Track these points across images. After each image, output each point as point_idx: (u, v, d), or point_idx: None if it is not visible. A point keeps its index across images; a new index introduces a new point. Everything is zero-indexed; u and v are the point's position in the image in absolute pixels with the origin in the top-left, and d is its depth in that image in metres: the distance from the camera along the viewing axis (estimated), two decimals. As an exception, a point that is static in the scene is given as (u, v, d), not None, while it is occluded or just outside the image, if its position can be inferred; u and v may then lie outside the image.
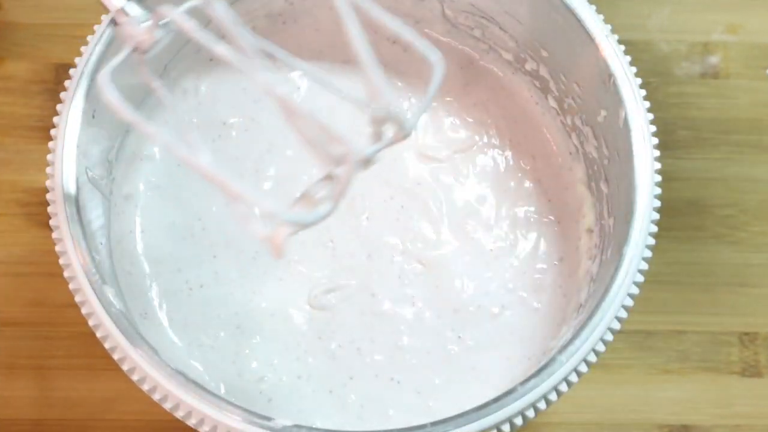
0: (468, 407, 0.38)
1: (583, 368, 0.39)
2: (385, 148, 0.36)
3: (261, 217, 0.34)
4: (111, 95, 0.34)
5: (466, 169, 0.50)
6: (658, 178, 0.42)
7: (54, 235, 0.41)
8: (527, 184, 0.50)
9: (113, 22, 0.37)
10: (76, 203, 0.41)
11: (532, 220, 0.49)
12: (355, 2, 0.35)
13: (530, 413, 0.38)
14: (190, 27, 0.34)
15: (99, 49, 0.43)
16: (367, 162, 0.36)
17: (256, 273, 0.47)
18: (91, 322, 0.39)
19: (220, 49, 0.33)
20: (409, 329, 0.46)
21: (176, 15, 0.34)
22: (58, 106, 0.43)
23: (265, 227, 0.34)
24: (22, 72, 0.56)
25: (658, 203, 0.42)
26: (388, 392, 0.45)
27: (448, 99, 0.51)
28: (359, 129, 0.37)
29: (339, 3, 0.34)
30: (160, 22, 0.36)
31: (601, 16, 0.45)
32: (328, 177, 0.37)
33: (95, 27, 0.44)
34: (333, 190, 0.35)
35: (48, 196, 0.41)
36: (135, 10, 0.37)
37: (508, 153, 0.50)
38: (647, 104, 0.44)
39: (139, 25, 0.36)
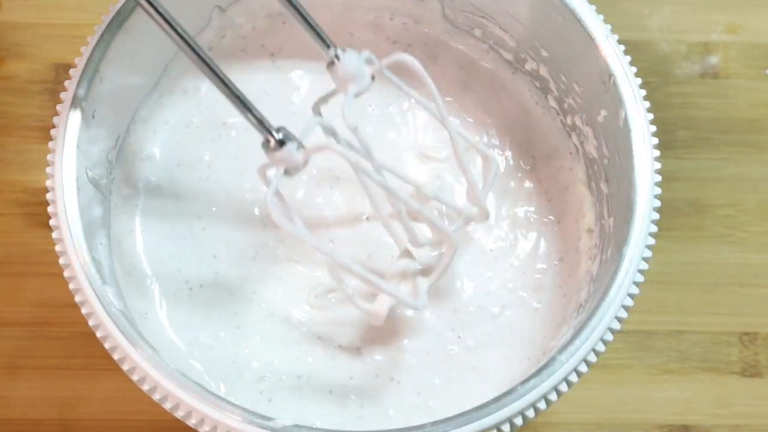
0: (468, 407, 0.38)
1: (583, 368, 0.39)
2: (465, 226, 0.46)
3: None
4: (282, 221, 0.39)
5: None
6: (658, 178, 0.42)
7: (54, 235, 0.41)
8: (527, 184, 0.50)
9: (267, 146, 0.39)
10: (76, 203, 0.41)
11: (532, 220, 0.49)
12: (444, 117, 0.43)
13: (530, 413, 0.38)
14: (355, 161, 0.40)
15: (99, 49, 0.43)
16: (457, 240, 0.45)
17: (256, 273, 0.47)
18: (91, 322, 0.39)
19: (364, 178, 0.41)
20: (408, 329, 0.46)
21: (339, 149, 0.40)
22: (58, 106, 0.43)
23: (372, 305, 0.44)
24: (22, 72, 0.56)
25: (658, 203, 0.42)
26: (388, 392, 0.45)
27: (448, 99, 0.51)
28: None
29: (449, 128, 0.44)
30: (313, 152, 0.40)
31: (601, 16, 0.45)
32: (406, 253, 0.45)
33: (95, 27, 0.44)
34: (441, 265, 0.45)
35: (48, 196, 0.41)
36: (286, 137, 0.39)
37: (508, 153, 0.50)
38: (647, 104, 0.44)
39: (296, 152, 0.39)
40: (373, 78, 0.41)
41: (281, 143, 0.39)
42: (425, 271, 0.45)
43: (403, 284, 0.45)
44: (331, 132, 0.44)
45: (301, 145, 0.40)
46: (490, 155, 0.45)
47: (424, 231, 0.47)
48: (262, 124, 0.40)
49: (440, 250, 0.46)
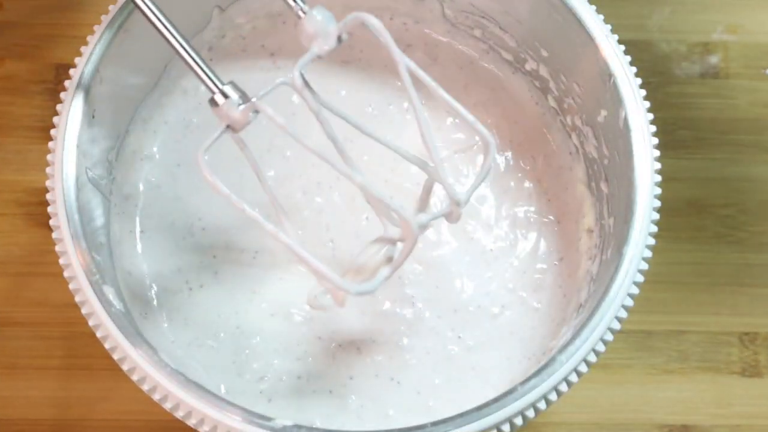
0: (468, 407, 0.38)
1: (583, 368, 0.39)
2: (437, 218, 0.42)
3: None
4: (211, 177, 0.39)
5: (466, 169, 0.50)
6: (658, 178, 0.42)
7: (54, 235, 0.41)
8: (527, 184, 0.50)
9: (213, 102, 0.40)
10: (76, 203, 0.41)
11: (532, 220, 0.49)
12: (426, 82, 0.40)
13: (530, 413, 0.38)
14: (282, 123, 0.39)
15: (99, 49, 0.43)
16: (423, 228, 0.41)
17: (256, 273, 0.47)
18: (91, 322, 0.39)
19: (309, 144, 0.39)
20: (409, 329, 0.46)
21: (271, 112, 0.39)
22: (58, 106, 0.43)
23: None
24: (22, 72, 0.56)
25: (658, 203, 0.42)
26: (388, 392, 0.45)
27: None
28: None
29: (411, 94, 0.39)
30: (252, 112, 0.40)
31: (601, 16, 0.45)
32: (379, 240, 0.43)
33: (95, 27, 0.44)
34: (396, 258, 0.41)
35: (48, 196, 0.41)
36: (232, 93, 0.40)
37: (508, 153, 0.50)
38: (647, 104, 0.44)
39: (236, 107, 0.39)
40: (340, 40, 0.40)
41: (225, 96, 0.39)
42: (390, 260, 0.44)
43: (363, 272, 0.44)
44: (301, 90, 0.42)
45: (246, 101, 0.39)
46: (487, 136, 0.40)
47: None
48: (207, 76, 0.40)
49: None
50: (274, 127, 0.49)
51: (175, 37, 0.41)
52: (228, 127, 0.40)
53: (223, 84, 0.40)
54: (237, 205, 0.39)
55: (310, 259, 0.38)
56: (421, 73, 0.39)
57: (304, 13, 0.40)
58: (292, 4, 0.41)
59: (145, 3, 0.41)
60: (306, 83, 0.41)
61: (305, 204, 0.48)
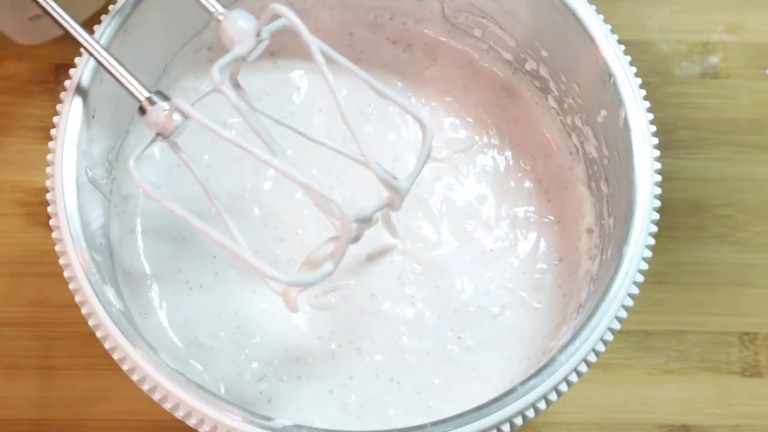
0: (468, 407, 0.38)
1: (583, 368, 0.39)
2: (379, 210, 0.40)
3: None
4: (140, 181, 0.39)
5: (466, 169, 0.50)
6: (658, 178, 0.42)
7: (54, 235, 0.41)
8: (527, 184, 0.50)
9: (141, 111, 0.40)
10: (76, 203, 0.41)
11: (532, 220, 0.49)
12: (349, 67, 0.39)
13: (530, 413, 0.38)
14: (198, 116, 0.38)
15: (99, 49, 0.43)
16: (366, 220, 0.40)
17: (256, 273, 0.47)
18: (91, 322, 0.39)
19: (228, 134, 0.37)
20: (409, 329, 0.46)
21: (185, 107, 0.38)
22: (58, 106, 0.43)
23: (279, 286, 0.39)
24: (22, 72, 0.56)
25: (658, 203, 0.42)
26: (388, 392, 0.45)
27: (448, 99, 0.51)
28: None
29: (327, 77, 0.38)
30: (176, 112, 0.39)
31: (601, 16, 0.45)
32: (333, 238, 0.41)
33: (95, 27, 0.44)
34: (335, 249, 0.38)
35: (48, 196, 0.41)
36: (158, 100, 0.40)
37: (508, 153, 0.50)
38: (647, 104, 0.44)
39: (162, 112, 0.40)
40: (260, 38, 0.40)
41: (151, 102, 0.40)
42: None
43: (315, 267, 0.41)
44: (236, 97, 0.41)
45: (174, 109, 0.39)
46: (424, 121, 0.39)
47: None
48: (132, 84, 0.40)
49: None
50: (274, 127, 0.50)
51: (95, 47, 0.41)
52: (158, 134, 0.40)
53: (149, 92, 0.40)
54: (167, 207, 0.39)
55: (240, 252, 0.37)
56: (336, 55, 0.39)
57: (223, 16, 0.40)
58: (211, 8, 0.41)
59: (56, 11, 0.41)
60: (237, 84, 0.41)
61: (305, 203, 0.48)
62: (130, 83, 0.40)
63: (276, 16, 0.38)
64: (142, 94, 0.40)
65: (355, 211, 0.39)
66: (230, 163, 0.49)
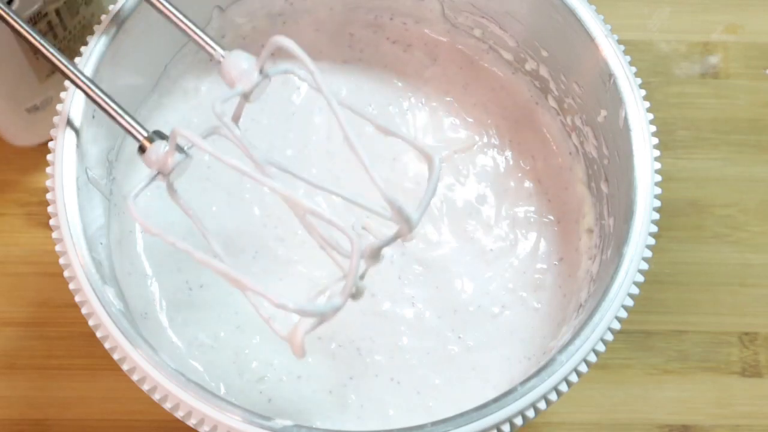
0: (468, 407, 0.38)
1: (583, 368, 0.39)
2: (390, 243, 0.38)
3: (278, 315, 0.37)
4: (139, 219, 0.38)
5: (466, 169, 0.50)
6: (658, 178, 0.42)
7: (54, 235, 0.41)
8: (527, 184, 0.50)
9: (141, 150, 0.40)
10: (76, 203, 0.41)
11: (532, 220, 0.49)
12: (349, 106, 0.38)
13: (530, 413, 0.38)
14: (201, 143, 0.37)
15: (99, 49, 0.43)
16: (375, 256, 0.39)
17: (256, 273, 0.47)
18: (91, 322, 0.39)
19: (233, 161, 0.37)
20: (409, 329, 0.46)
21: (186, 132, 0.37)
22: (58, 106, 0.43)
23: (285, 329, 0.37)
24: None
25: (658, 203, 0.42)
26: (388, 392, 0.45)
27: (448, 99, 0.51)
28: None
29: (335, 109, 0.37)
30: (177, 142, 0.39)
31: (601, 16, 0.45)
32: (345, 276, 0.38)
33: (95, 27, 0.44)
34: (345, 284, 0.36)
35: (48, 196, 0.41)
36: (157, 138, 0.40)
37: (508, 153, 0.50)
38: (647, 104, 0.44)
39: (162, 149, 0.39)
40: (263, 75, 0.40)
41: (150, 140, 0.39)
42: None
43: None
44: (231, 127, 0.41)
45: (176, 148, 0.39)
46: (431, 155, 0.38)
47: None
48: (130, 125, 0.40)
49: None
50: (274, 127, 0.50)
51: (97, 93, 0.41)
52: (159, 173, 0.39)
53: (147, 131, 0.40)
54: (167, 241, 0.38)
55: (244, 280, 0.36)
56: (332, 100, 0.38)
57: (223, 57, 0.40)
58: (212, 51, 0.41)
59: (64, 64, 0.41)
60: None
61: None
62: (129, 123, 0.40)
63: (279, 48, 0.38)
64: (140, 133, 0.40)
65: (363, 244, 0.38)
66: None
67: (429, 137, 0.50)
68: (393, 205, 0.37)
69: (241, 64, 0.40)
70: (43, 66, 0.49)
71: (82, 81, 0.41)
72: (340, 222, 0.35)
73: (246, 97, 0.40)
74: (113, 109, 0.40)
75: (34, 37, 0.41)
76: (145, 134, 0.39)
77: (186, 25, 0.42)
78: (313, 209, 0.36)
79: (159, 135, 0.40)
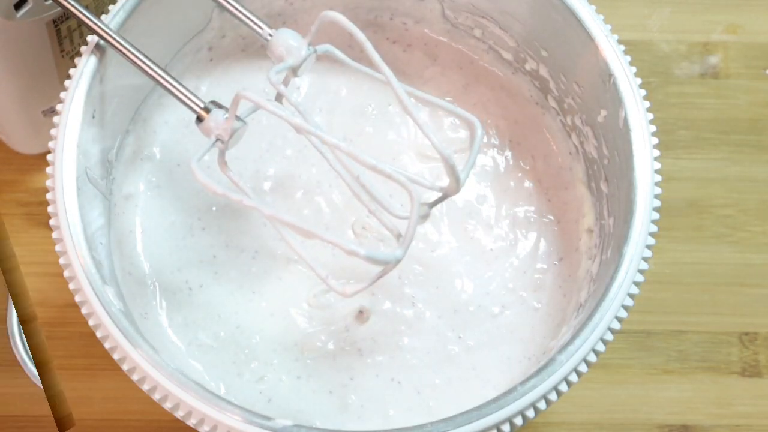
0: (468, 407, 0.38)
1: (583, 368, 0.39)
2: (441, 202, 0.43)
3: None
4: (205, 180, 0.40)
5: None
6: (658, 178, 0.42)
7: (54, 235, 0.41)
8: (527, 184, 0.50)
9: (199, 119, 0.42)
10: (76, 203, 0.41)
11: (532, 219, 0.49)
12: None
13: (530, 413, 0.38)
14: (267, 104, 0.40)
15: (99, 49, 0.43)
16: (425, 214, 0.43)
17: (256, 273, 0.47)
18: (91, 322, 0.39)
19: (297, 121, 0.40)
20: (409, 329, 0.46)
21: (250, 95, 0.39)
22: (58, 106, 0.43)
23: (340, 286, 0.40)
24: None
25: (658, 203, 0.42)
26: (388, 392, 0.45)
27: (448, 99, 0.51)
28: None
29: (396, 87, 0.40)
30: (238, 109, 0.41)
31: (601, 16, 0.45)
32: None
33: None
34: (404, 236, 0.39)
35: (48, 196, 0.41)
36: (214, 107, 0.42)
37: (508, 153, 0.50)
38: (647, 104, 0.44)
39: (222, 117, 0.41)
40: (313, 50, 0.42)
41: (207, 111, 0.41)
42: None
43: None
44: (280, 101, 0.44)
45: (229, 114, 0.41)
46: (471, 119, 0.42)
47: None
48: (187, 97, 0.42)
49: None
50: (274, 127, 0.50)
51: (151, 67, 0.43)
52: (218, 139, 0.41)
53: (204, 102, 0.42)
54: (233, 200, 0.39)
55: (315, 231, 0.39)
56: (393, 79, 0.41)
57: (271, 36, 0.43)
58: (259, 30, 0.43)
59: (117, 41, 0.43)
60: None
61: (305, 203, 0.48)
62: (185, 95, 0.42)
63: (329, 23, 0.41)
64: (197, 104, 0.42)
65: (421, 197, 0.40)
66: (230, 163, 0.49)
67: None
68: (447, 161, 0.40)
69: (289, 41, 0.43)
70: (68, 65, 0.49)
71: (144, 63, 0.43)
72: (402, 177, 0.38)
73: (294, 71, 0.43)
74: (172, 85, 0.42)
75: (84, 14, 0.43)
76: (202, 105, 0.42)
77: (233, 6, 0.44)
78: (374, 165, 0.38)
79: (215, 104, 0.42)
